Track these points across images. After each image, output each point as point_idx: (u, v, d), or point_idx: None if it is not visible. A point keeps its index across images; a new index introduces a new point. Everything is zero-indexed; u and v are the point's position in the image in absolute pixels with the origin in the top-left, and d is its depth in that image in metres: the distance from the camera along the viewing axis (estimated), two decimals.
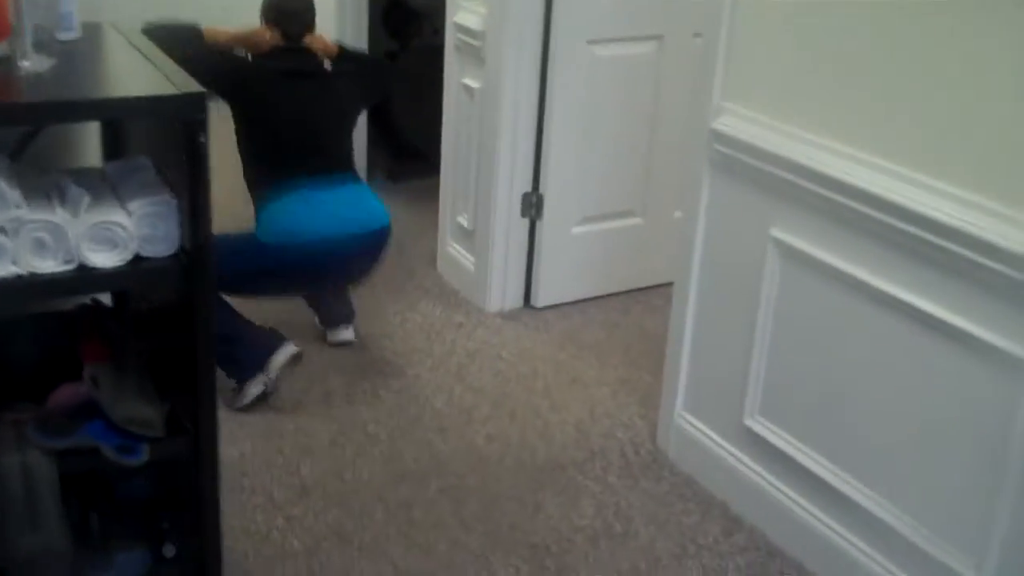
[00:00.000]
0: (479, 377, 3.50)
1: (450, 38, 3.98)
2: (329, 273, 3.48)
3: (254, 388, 3.28)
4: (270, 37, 3.49)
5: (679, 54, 3.84)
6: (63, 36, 2.23)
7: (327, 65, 3.61)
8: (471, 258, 4.01)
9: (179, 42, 3.04)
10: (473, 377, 3.50)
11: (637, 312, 3.96)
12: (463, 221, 4.02)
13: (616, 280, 4.07)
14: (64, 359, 2.22)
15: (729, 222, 2.81)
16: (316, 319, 3.74)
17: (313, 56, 3.55)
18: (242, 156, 3.50)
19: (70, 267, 1.95)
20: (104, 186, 2.07)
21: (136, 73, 2.17)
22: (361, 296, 3.83)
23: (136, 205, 1.99)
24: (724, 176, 2.79)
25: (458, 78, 3.96)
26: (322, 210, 3.33)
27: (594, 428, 3.26)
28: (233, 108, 3.42)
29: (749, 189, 2.71)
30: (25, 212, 1.90)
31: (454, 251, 4.11)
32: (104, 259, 1.96)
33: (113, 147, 2.46)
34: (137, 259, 2.00)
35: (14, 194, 1.89)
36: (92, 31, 2.35)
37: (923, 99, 2.27)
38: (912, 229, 2.28)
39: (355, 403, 3.32)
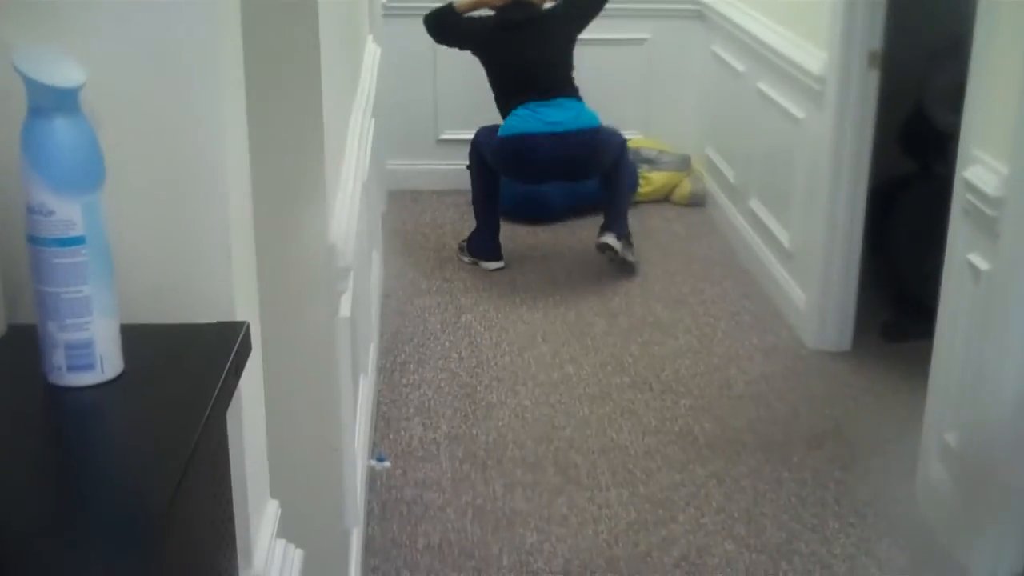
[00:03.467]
0: None
1: (958, 196, 2.99)
2: (544, 162, 4.52)
3: (466, 258, 4.79)
4: None
5: None
6: None
7: (547, 5, 4.63)
8: (958, 496, 2.98)
9: (441, 21, 4.69)
10: None
11: None
12: (951, 440, 3.01)
13: None
14: None
15: None
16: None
17: (529, 5, 4.60)
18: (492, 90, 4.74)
19: None
20: None
21: None
22: (807, 529, 2.97)
23: None
24: None
25: (962, 251, 2.96)
26: (538, 116, 4.49)
27: None
28: (480, 59, 4.71)
29: None
30: None
31: (938, 477, 3.09)
32: None
33: None
34: None
35: None
36: None
37: None
38: None
39: None
